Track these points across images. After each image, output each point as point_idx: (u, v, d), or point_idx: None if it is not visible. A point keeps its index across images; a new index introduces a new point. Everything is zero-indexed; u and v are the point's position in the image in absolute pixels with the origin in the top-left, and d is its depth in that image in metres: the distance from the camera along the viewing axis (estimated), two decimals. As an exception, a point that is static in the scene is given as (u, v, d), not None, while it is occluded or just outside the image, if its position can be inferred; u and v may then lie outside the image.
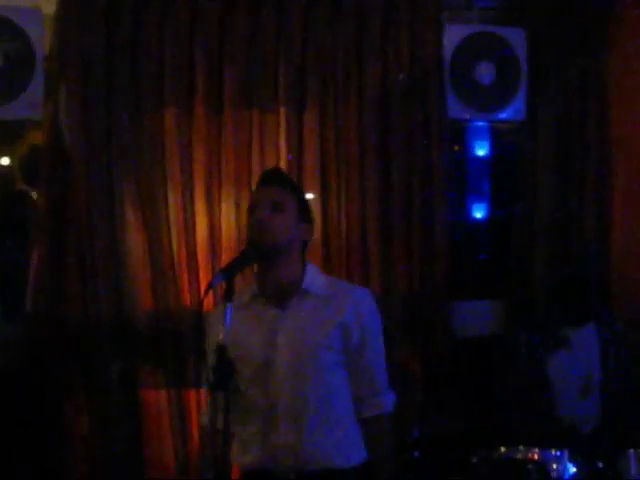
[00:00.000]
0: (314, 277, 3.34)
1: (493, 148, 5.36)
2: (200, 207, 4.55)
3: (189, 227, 4.52)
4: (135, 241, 4.48)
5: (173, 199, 4.52)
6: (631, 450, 3.80)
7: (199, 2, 4.50)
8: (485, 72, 4.89)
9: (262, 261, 3.29)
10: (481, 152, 5.34)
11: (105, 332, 4.38)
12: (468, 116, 5.00)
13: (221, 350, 2.82)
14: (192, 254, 4.51)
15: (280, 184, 3.38)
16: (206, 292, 3.07)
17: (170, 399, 4.50)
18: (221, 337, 2.85)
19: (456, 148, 5.29)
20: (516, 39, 4.92)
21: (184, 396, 4.49)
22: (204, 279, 4.45)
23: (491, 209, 5.38)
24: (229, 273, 2.98)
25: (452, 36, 4.85)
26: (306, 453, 3.22)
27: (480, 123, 5.24)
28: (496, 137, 5.36)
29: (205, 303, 4.14)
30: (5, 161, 4.92)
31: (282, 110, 4.62)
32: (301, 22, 4.62)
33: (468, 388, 4.81)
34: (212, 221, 4.57)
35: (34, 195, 4.69)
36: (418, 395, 4.70)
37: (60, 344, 4.36)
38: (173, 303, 4.49)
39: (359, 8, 4.70)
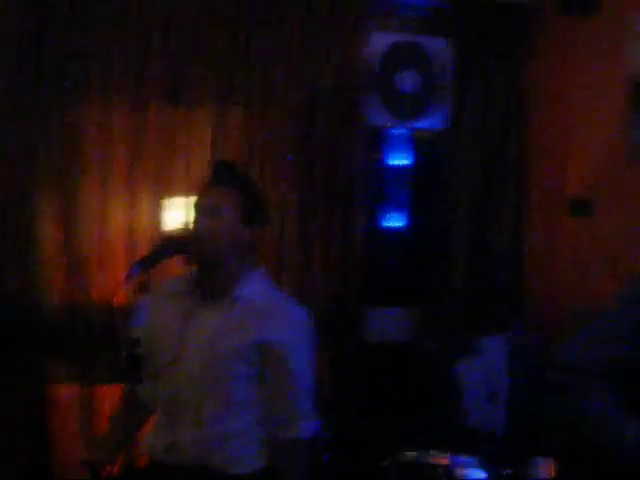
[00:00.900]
0: (252, 285, 3.23)
1: (414, 157, 5.40)
2: (117, 201, 4.54)
3: (105, 223, 4.52)
4: (50, 233, 4.45)
5: (90, 193, 4.50)
6: (539, 457, 3.93)
7: (124, 5, 4.52)
8: (409, 80, 4.99)
9: (197, 263, 3.24)
10: (401, 161, 5.39)
11: (15, 324, 4.34)
12: (390, 123, 5.10)
13: (133, 343, 2.82)
14: (108, 249, 4.52)
15: (224, 182, 3.23)
16: (125, 282, 3.01)
17: (81, 394, 4.48)
18: (134, 331, 2.86)
19: (376, 156, 5.34)
20: (440, 49, 5.06)
21: (94, 391, 4.48)
22: (120, 275, 4.24)
23: (409, 218, 5.43)
24: (146, 265, 2.99)
25: (378, 44, 4.94)
26: (203, 455, 3.20)
27: (401, 132, 5.25)
28: (417, 147, 5.40)
29: (118, 297, 4.21)
30: None
31: (208, 109, 4.68)
32: (229, 24, 4.67)
33: (379, 392, 4.84)
34: (130, 216, 4.55)
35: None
36: (326, 397, 4.55)
37: None
38: (85, 298, 4.48)
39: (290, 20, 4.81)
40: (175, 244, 3.23)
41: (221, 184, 3.22)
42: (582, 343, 2.92)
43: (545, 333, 4.96)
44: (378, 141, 5.33)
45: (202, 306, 3.19)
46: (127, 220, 4.57)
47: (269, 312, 3.20)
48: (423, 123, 5.14)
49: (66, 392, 4.51)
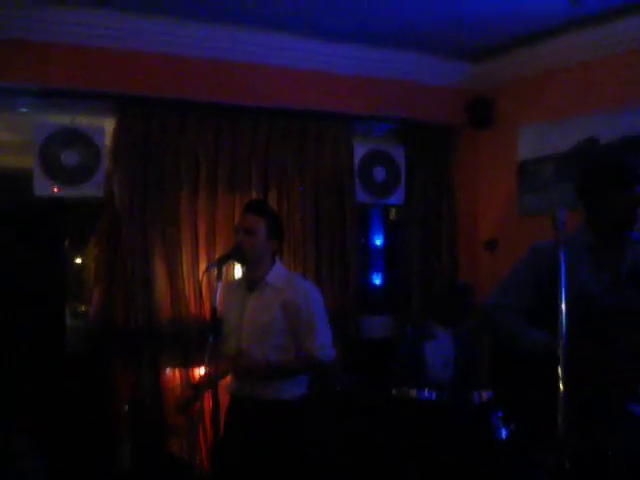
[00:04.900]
0: (277, 274, 3.47)
1: (386, 240, 5.82)
2: (202, 255, 4.72)
3: (195, 267, 4.70)
4: (161, 271, 4.63)
5: (184, 249, 4.69)
6: (474, 391, 4.19)
7: (200, 134, 4.72)
8: (379, 173, 5.22)
9: (242, 264, 3.57)
10: (378, 242, 5.85)
11: (140, 331, 4.55)
12: (369, 200, 5.26)
13: (214, 311, 3.17)
14: (197, 283, 4.68)
15: (254, 212, 3.46)
16: (204, 274, 3.59)
17: (181, 374, 4.67)
18: (215, 304, 3.18)
19: (363, 240, 5.67)
20: (399, 154, 5.30)
21: (190, 372, 4.66)
22: (206, 301, 4.62)
23: (385, 276, 5.81)
24: (219, 263, 3.31)
25: (359, 151, 5.18)
26: (257, 388, 3.41)
27: (377, 208, 5.62)
28: (388, 232, 5.76)
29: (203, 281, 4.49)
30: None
31: (254, 193, 4.85)
32: (266, 141, 4.89)
33: (373, 364, 4.99)
34: (211, 261, 4.56)
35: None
36: (340, 370, 4.79)
37: (110, 338, 4.53)
38: (184, 313, 4.67)
39: (302, 133, 5.00)
40: (232, 254, 3.41)
41: (253, 213, 3.45)
42: (496, 294, 3.01)
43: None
44: (364, 221, 5.59)
45: (249, 293, 3.46)
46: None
47: (286, 286, 3.43)
48: (389, 200, 5.30)
49: (172, 374, 4.68)
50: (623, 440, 2.67)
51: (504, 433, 3.84)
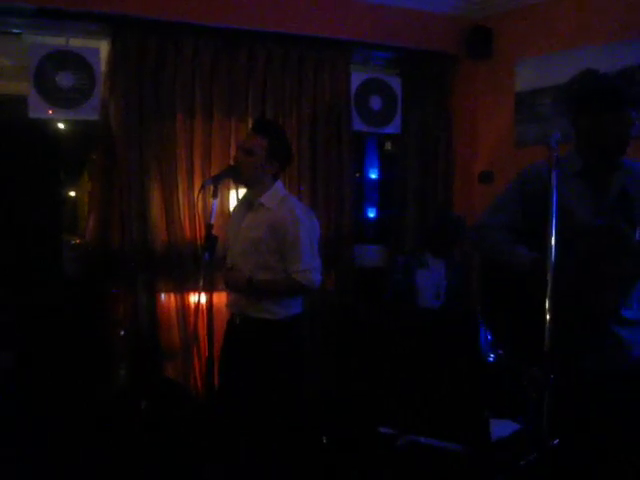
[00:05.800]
0: (273, 195, 3.47)
1: (381, 174, 5.76)
2: (197, 180, 4.67)
3: (190, 193, 4.67)
4: (156, 197, 4.64)
5: (179, 175, 4.65)
6: None
7: (196, 58, 4.67)
8: (375, 102, 5.20)
9: (238, 183, 3.68)
10: (373, 176, 5.79)
11: (135, 255, 4.57)
12: (365, 129, 5.24)
13: (209, 228, 3.23)
14: (192, 207, 4.65)
15: (257, 131, 3.47)
16: (199, 191, 3.56)
17: (176, 299, 4.68)
18: (211, 221, 3.25)
19: (357, 175, 5.60)
20: (396, 83, 5.27)
21: (185, 297, 4.67)
22: (200, 225, 4.61)
23: (378, 211, 5.79)
24: (214, 180, 3.38)
25: (356, 79, 5.16)
26: (247, 305, 3.47)
27: (373, 136, 5.57)
28: (383, 166, 5.71)
29: (199, 206, 4.55)
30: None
31: (249, 120, 4.81)
32: (263, 67, 4.84)
33: (367, 291, 5.17)
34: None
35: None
36: (334, 298, 4.94)
37: (106, 264, 4.55)
38: (179, 237, 4.66)
39: (300, 60, 4.95)
40: (229, 172, 3.49)
41: (255, 132, 3.47)
42: (486, 213, 3.06)
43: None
44: (360, 153, 5.52)
45: (247, 212, 3.51)
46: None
47: (277, 207, 3.44)
48: (385, 129, 5.27)
49: (167, 298, 4.69)
50: (604, 358, 2.75)
51: (492, 357, 3.88)
